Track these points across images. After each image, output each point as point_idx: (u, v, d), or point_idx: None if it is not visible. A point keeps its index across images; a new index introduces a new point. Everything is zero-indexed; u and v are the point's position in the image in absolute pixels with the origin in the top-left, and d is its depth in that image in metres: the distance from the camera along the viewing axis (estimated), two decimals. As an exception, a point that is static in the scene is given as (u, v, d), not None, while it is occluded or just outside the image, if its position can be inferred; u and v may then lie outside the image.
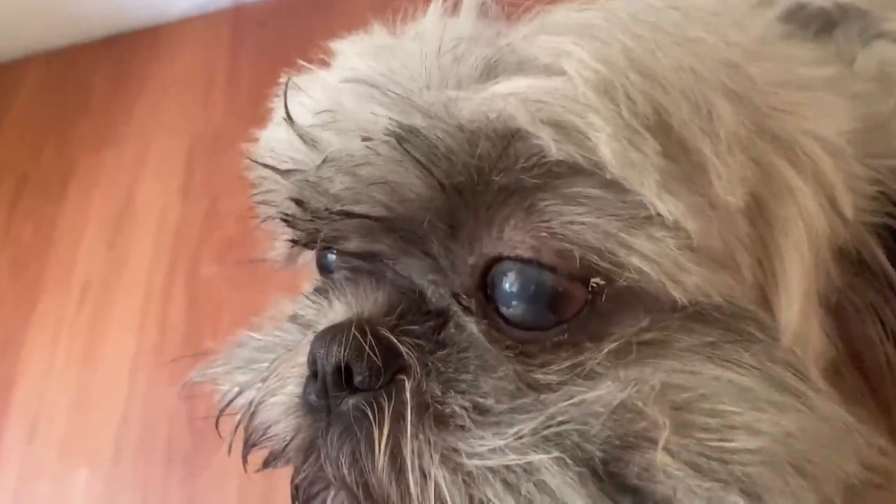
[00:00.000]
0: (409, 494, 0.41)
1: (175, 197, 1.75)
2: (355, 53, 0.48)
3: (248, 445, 0.50)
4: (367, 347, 0.43)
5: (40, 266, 1.73)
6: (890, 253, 0.45)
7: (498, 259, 0.43)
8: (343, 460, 0.43)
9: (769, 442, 0.39)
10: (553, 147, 0.38)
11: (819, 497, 0.41)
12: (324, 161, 0.44)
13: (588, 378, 0.40)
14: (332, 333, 0.44)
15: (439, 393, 0.42)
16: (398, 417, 0.42)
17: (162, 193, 1.77)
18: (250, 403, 0.49)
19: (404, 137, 0.41)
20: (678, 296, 0.39)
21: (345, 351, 0.43)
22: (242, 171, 0.58)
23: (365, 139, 0.42)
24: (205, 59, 2.04)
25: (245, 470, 0.52)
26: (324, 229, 0.46)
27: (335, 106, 0.45)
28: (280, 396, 0.48)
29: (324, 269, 0.54)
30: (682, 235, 0.39)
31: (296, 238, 0.50)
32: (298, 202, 0.47)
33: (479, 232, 0.43)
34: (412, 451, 0.41)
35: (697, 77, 0.40)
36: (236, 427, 0.51)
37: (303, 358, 0.47)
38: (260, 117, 0.54)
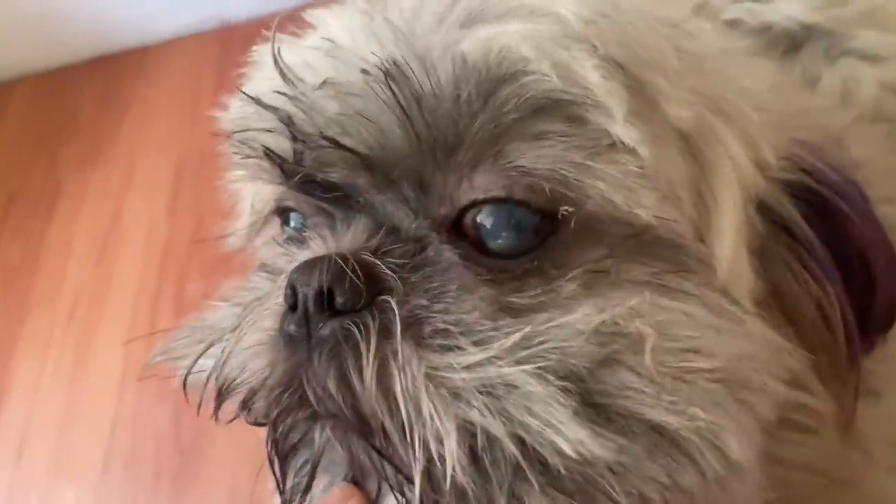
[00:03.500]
0: (398, 409, 0.42)
1: (162, 215, 1.76)
2: (335, 19, 0.50)
3: (223, 394, 0.49)
4: (348, 270, 0.44)
5: (28, 284, 1.73)
6: (804, 214, 0.49)
7: (472, 205, 0.45)
8: (330, 382, 0.43)
9: (722, 363, 0.43)
10: (553, 78, 0.42)
11: (754, 413, 0.46)
12: (323, 83, 0.46)
13: (559, 304, 0.43)
14: (313, 262, 0.45)
15: (425, 306, 0.44)
16: (385, 333, 0.43)
17: (149, 212, 1.78)
18: (221, 352, 0.48)
19: (395, 77, 0.44)
20: (640, 212, 0.43)
21: (326, 275, 0.44)
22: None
23: (363, 71, 0.44)
24: (191, 78, 2.04)
25: (216, 419, 0.50)
26: (309, 157, 0.47)
27: (337, 36, 0.48)
28: (254, 336, 0.47)
29: (288, 224, 0.55)
30: (639, 160, 0.43)
31: (280, 165, 0.49)
32: (288, 124, 0.47)
33: (448, 189, 0.46)
34: (400, 365, 0.42)
35: (648, 27, 0.46)
36: (206, 380, 0.50)
37: (277, 299, 0.47)
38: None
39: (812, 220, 0.49)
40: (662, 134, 0.45)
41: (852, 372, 0.51)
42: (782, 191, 0.49)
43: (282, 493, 0.49)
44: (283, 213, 0.56)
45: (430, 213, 0.47)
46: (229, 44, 2.07)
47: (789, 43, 0.71)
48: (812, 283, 0.49)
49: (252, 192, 0.58)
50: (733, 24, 0.70)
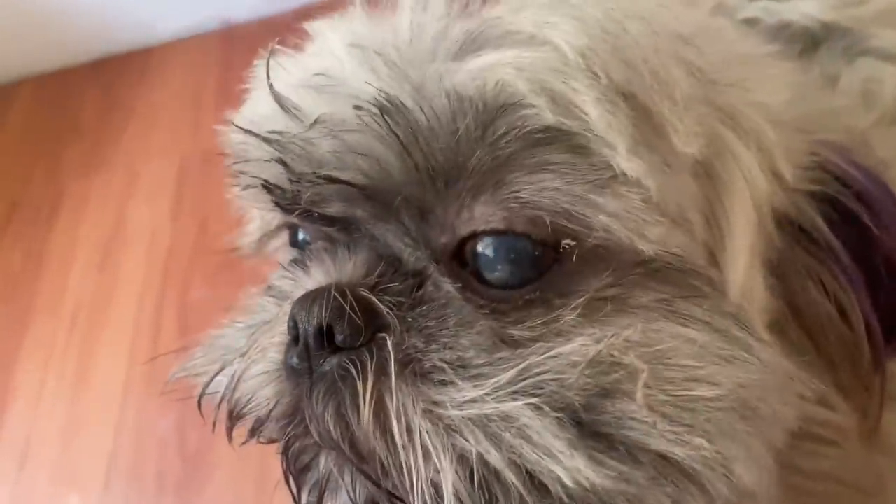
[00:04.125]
0: (395, 446, 0.42)
1: (165, 220, 1.75)
2: (333, 32, 0.50)
3: (234, 418, 0.51)
4: (347, 307, 0.44)
5: (31, 291, 1.72)
6: (828, 219, 0.48)
7: (472, 235, 0.45)
8: (328, 418, 0.44)
9: (726, 391, 0.43)
10: (549, 113, 0.41)
11: (764, 441, 0.45)
12: (315, 122, 0.45)
13: (559, 334, 0.43)
14: (313, 297, 0.46)
15: (421, 347, 0.44)
16: (381, 372, 0.43)
17: (152, 217, 1.77)
18: (232, 376, 0.50)
19: (390, 111, 0.43)
20: (644, 247, 0.42)
21: (325, 312, 0.44)
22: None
23: (356, 107, 0.44)
24: (194, 80, 2.04)
25: (230, 441, 0.53)
26: (305, 193, 0.47)
27: (329, 70, 0.47)
28: (262, 365, 0.49)
29: (297, 244, 0.56)
30: (644, 192, 0.42)
31: (277, 201, 0.50)
32: (283, 164, 0.47)
33: (448, 218, 0.45)
34: (396, 404, 0.42)
35: (656, 47, 0.44)
36: (219, 402, 0.51)
37: (283, 327, 0.48)
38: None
39: (837, 224, 0.48)
40: (671, 161, 0.43)
41: (877, 378, 0.50)
42: (805, 197, 0.48)
43: None
44: (290, 226, 0.56)
45: (430, 242, 0.46)
46: (231, 44, 2.07)
47: (808, 41, 0.69)
48: (836, 288, 0.48)
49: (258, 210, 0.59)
50: (750, 22, 0.69)
